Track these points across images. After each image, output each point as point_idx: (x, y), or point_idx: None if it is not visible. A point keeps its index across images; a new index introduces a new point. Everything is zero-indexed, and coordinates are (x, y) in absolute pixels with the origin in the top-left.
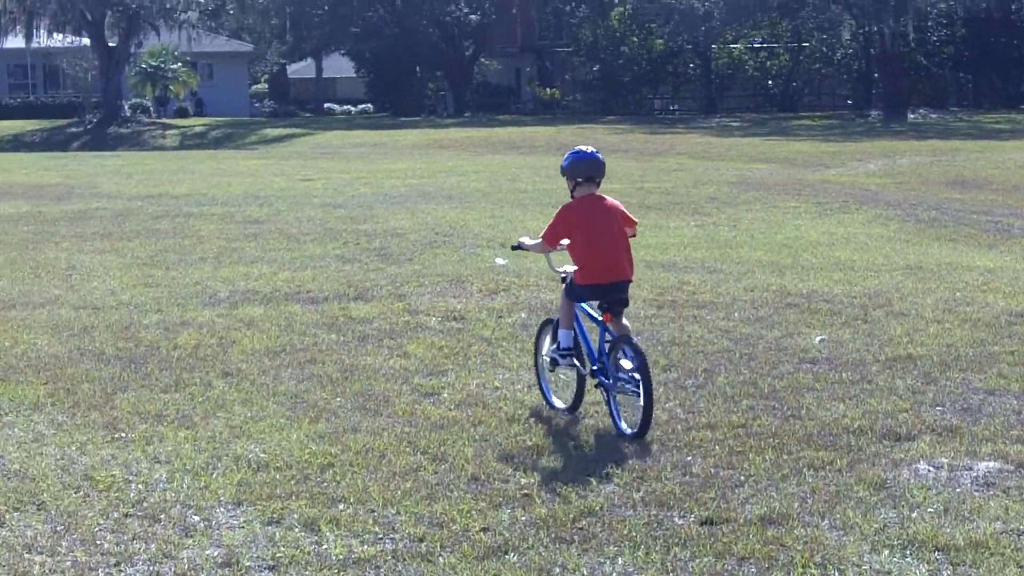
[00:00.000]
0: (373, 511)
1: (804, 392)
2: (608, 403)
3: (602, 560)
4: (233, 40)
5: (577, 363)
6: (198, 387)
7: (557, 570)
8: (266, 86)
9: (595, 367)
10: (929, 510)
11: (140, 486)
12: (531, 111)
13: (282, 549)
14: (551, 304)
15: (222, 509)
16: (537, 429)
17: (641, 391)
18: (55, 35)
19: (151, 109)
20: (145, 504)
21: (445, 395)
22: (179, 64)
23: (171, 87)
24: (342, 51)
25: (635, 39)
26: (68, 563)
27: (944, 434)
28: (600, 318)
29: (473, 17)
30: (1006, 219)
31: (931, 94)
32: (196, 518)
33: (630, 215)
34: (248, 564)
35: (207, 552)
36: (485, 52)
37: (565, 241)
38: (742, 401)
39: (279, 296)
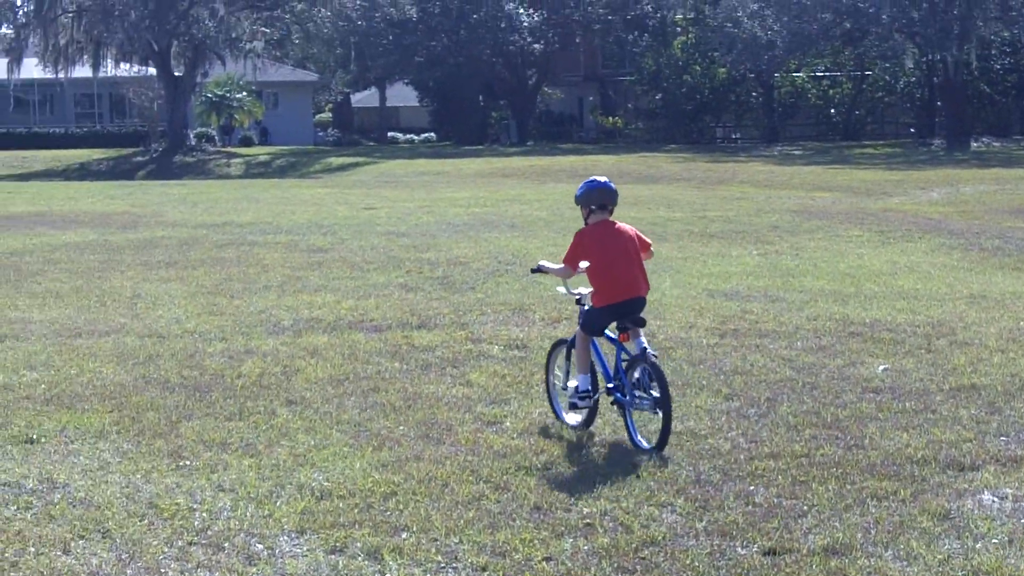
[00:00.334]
0: (436, 540)
1: (867, 421)
2: (625, 419)
3: None
4: (298, 69)
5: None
6: (262, 415)
7: None
8: (330, 115)
9: (610, 385)
10: (993, 541)
11: (204, 514)
12: (593, 140)
13: None
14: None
15: (285, 537)
16: (599, 458)
17: (661, 408)
18: (122, 65)
19: (216, 138)
20: (209, 532)
21: (507, 423)
22: (244, 93)
23: (236, 116)
24: (406, 80)
25: (698, 68)
26: None
27: (1009, 464)
28: (616, 338)
29: (537, 46)
30: None
31: (994, 122)
32: (260, 546)
33: (645, 238)
34: None
35: None
36: (548, 81)
37: (584, 264)
38: (805, 430)
39: (342, 324)
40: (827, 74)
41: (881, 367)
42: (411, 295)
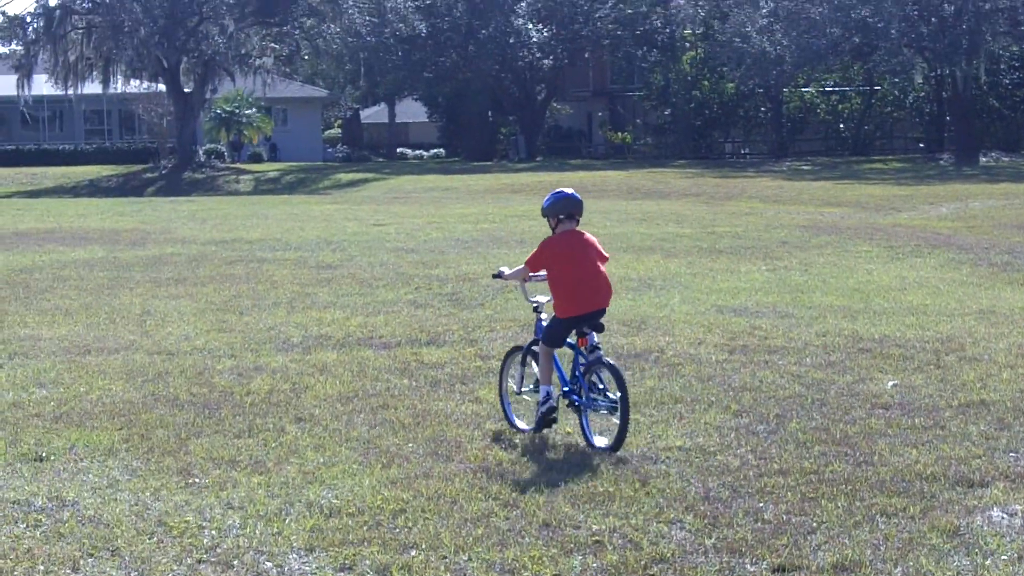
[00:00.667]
0: (445, 557)
1: (877, 438)
2: (580, 421)
3: None
4: (307, 85)
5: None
6: (271, 433)
7: None
8: (339, 131)
9: (566, 388)
10: (1003, 557)
11: (213, 532)
12: (602, 155)
13: None
14: (622, 349)
15: (295, 555)
16: (608, 475)
17: (619, 409)
18: (131, 81)
19: (225, 154)
20: (218, 550)
21: (516, 440)
22: (253, 109)
23: (245, 132)
24: (415, 96)
25: (706, 83)
26: None
27: (1018, 481)
28: (575, 343)
29: (546, 62)
30: None
31: (1003, 137)
32: (269, 564)
33: (603, 251)
34: None
35: None
36: (557, 96)
37: (542, 272)
38: (814, 447)
39: (352, 341)
40: (836, 89)
41: (890, 383)
42: (420, 312)
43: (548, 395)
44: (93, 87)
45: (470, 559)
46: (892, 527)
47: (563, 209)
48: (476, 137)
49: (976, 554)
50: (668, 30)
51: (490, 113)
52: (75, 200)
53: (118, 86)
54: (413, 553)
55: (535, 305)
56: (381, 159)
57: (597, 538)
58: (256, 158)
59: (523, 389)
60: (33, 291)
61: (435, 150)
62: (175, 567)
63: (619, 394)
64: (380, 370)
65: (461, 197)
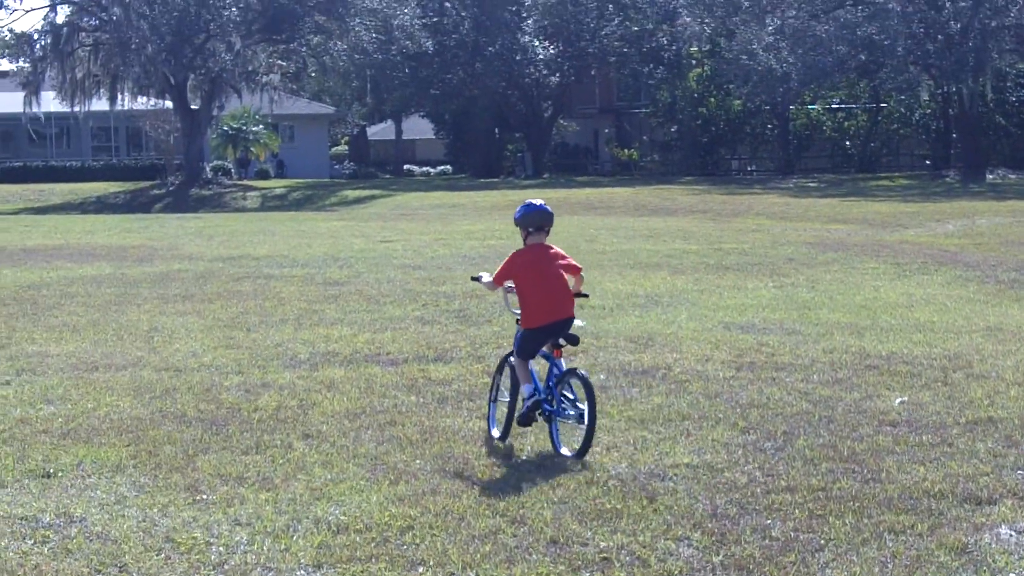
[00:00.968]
0: (452, 574)
1: (884, 455)
2: (550, 429)
3: None
4: (314, 102)
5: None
6: (279, 449)
7: None
8: (346, 148)
9: (539, 397)
10: (1011, 575)
11: (221, 548)
12: (609, 172)
13: None
14: (629, 365)
15: (302, 572)
16: (616, 491)
17: (585, 418)
18: (138, 98)
19: (232, 171)
20: (226, 567)
21: (523, 457)
22: (260, 126)
23: (252, 149)
24: (422, 113)
25: (713, 100)
26: None
27: None
28: (551, 354)
29: (552, 79)
30: None
31: (1010, 154)
32: None
33: (574, 262)
34: None
35: None
36: (563, 113)
37: (510, 283)
38: (821, 464)
39: (359, 358)
40: (842, 106)
41: (898, 400)
42: (427, 328)
43: (535, 390)
44: (100, 104)
45: (478, 575)
46: (900, 544)
47: (532, 222)
48: (483, 154)
49: (984, 572)
50: (674, 47)
51: (497, 130)
52: (82, 217)
53: (125, 103)
54: (421, 570)
55: (518, 317)
56: (388, 176)
57: (605, 555)
58: (263, 175)
59: (499, 398)
60: (41, 307)
61: (442, 167)
62: None
63: (587, 404)
64: (387, 387)
65: (468, 214)
